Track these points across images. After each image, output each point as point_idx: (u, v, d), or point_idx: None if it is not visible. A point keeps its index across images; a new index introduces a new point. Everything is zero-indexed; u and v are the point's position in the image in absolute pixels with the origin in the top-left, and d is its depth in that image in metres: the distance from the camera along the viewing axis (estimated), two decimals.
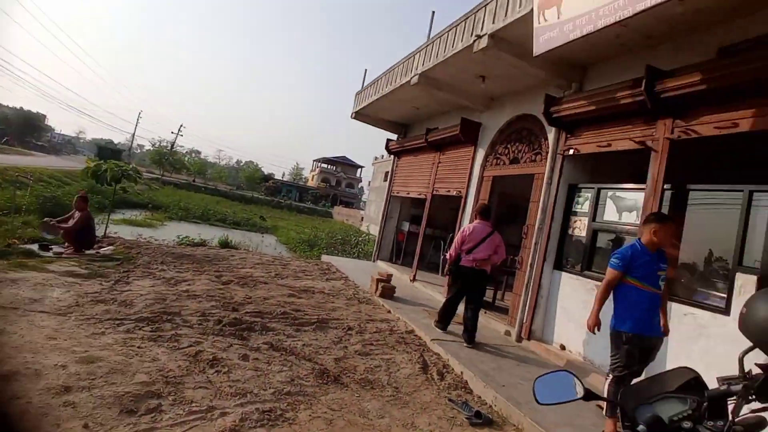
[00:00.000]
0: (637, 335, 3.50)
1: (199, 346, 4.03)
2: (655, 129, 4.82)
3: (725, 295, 4.09)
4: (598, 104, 5.28)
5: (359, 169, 75.49)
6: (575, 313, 5.67)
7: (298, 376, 3.80)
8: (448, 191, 9.18)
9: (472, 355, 5.27)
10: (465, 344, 5.61)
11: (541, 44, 4.64)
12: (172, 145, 64.40)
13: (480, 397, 4.33)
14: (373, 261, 12.53)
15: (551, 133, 6.34)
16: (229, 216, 28.58)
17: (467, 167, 8.51)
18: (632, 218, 5.18)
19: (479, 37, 5.69)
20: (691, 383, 1.94)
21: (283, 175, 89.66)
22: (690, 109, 4.46)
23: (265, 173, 77.21)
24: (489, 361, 5.16)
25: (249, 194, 53.16)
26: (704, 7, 4.06)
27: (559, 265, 6.16)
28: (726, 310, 4.00)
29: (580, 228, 5.94)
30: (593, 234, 5.70)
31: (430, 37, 7.59)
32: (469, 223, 7.00)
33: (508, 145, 7.59)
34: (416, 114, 10.58)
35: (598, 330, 3.72)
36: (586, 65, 5.95)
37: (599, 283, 5.36)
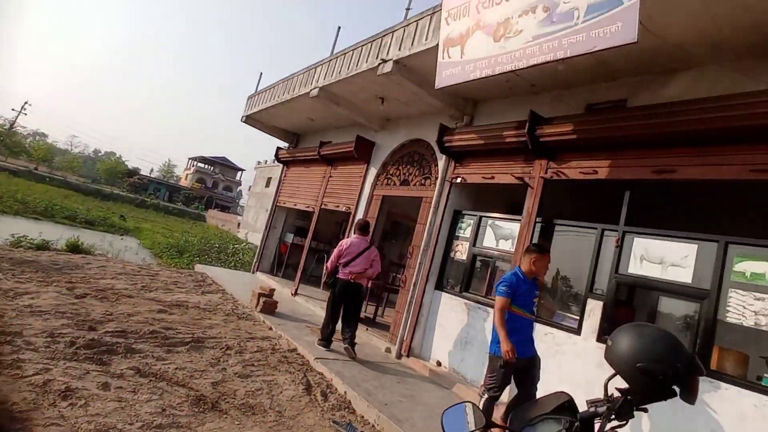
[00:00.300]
0: (515, 360, 3.67)
1: (48, 373, 3.35)
2: (533, 168, 5.42)
3: (578, 317, 4.69)
4: (487, 139, 5.78)
5: (240, 172, 71.92)
6: (452, 332, 6.04)
7: (170, 405, 3.37)
8: (338, 206, 9.18)
9: (356, 374, 5.26)
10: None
11: (443, 78, 4.93)
12: (11, 125, 54.33)
13: (363, 417, 4.32)
14: (253, 272, 11.92)
15: (442, 161, 6.75)
16: (80, 213, 24.75)
17: (358, 184, 8.62)
18: (508, 246, 5.71)
19: (384, 61, 5.86)
20: (565, 405, 2.18)
21: (152, 171, 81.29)
22: (562, 153, 5.11)
23: (130, 167, 69.05)
24: (372, 379, 5.19)
25: (108, 189, 46.90)
26: (580, 69, 4.71)
27: (440, 286, 6.52)
28: (578, 331, 4.59)
29: (462, 251, 6.38)
30: (473, 258, 6.16)
31: (334, 52, 7.61)
32: (347, 237, 7.15)
33: (400, 167, 7.88)
34: (310, 125, 10.46)
35: (513, 356, 3.66)
36: (478, 101, 6.49)
37: (474, 304, 5.87)
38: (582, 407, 1.97)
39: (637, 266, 4.38)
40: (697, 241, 4.02)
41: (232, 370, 4.52)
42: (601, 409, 1.97)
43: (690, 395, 1.87)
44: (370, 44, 6.40)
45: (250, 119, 11.01)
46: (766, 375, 3.52)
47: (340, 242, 6.38)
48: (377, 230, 8.22)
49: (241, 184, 71.75)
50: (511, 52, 4.16)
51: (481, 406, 3.75)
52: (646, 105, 4.39)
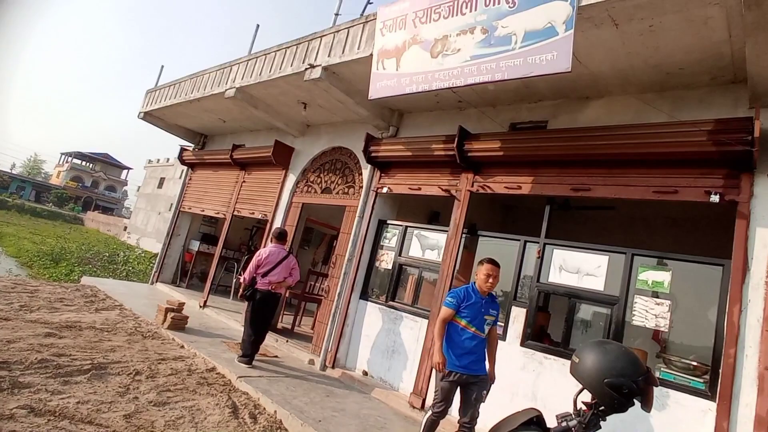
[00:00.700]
0: (456, 373, 3.64)
1: None
2: (459, 180, 5.61)
3: (503, 324, 4.94)
4: (415, 151, 5.86)
5: (125, 171, 65.07)
6: (378, 341, 6.02)
7: None
8: (252, 213, 8.69)
9: (283, 390, 4.98)
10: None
11: (377, 89, 4.89)
12: None
13: None
14: (152, 283, 10.80)
15: (366, 170, 6.71)
16: None
17: (276, 191, 8.24)
18: (434, 256, 5.84)
19: (312, 66, 5.65)
20: (533, 420, 2.26)
21: (13, 166, 70.10)
22: (488, 168, 5.36)
23: None
24: (301, 395, 4.96)
25: None
26: (506, 89, 4.98)
27: (366, 295, 6.47)
28: (503, 336, 4.83)
29: (387, 261, 6.39)
30: (399, 267, 6.20)
31: (252, 51, 7.18)
32: (264, 246, 6.90)
33: (321, 174, 7.69)
34: (221, 126, 9.77)
35: (443, 369, 3.65)
36: (404, 112, 6.56)
37: (400, 313, 5.90)
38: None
39: (557, 275, 4.74)
40: (608, 252, 4.46)
41: (146, 399, 4.00)
42: (573, 423, 2.09)
43: (647, 405, 2.04)
44: (295, 47, 6.14)
45: (149, 116, 9.96)
46: (663, 369, 4.01)
47: (258, 252, 6.16)
48: (296, 238, 7.93)
49: (127, 184, 64.98)
50: (448, 69, 4.26)
51: (423, 422, 3.77)
52: (565, 128, 4.79)
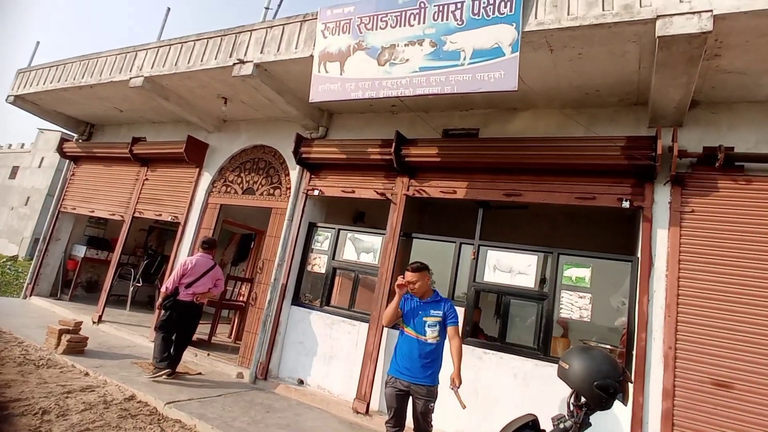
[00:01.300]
0: (392, 377, 3.59)
1: None
2: (395, 184, 5.71)
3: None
4: (350, 154, 5.82)
5: None
6: (314, 347, 5.92)
7: None
8: (159, 215, 7.88)
9: (220, 412, 4.67)
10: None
11: (319, 92, 4.74)
12: None
13: None
14: (25, 297, 9.23)
15: (295, 171, 6.49)
16: None
17: (189, 191, 7.58)
18: (370, 258, 5.88)
19: (242, 62, 5.27)
20: (529, 424, 2.46)
21: None
22: (423, 172, 5.54)
23: None
24: (240, 416, 4.69)
25: None
26: (440, 97, 5.14)
27: (298, 301, 6.30)
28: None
29: (320, 265, 6.28)
30: (333, 271, 6.13)
31: (163, 37, 6.45)
32: (190, 255, 6.52)
33: (242, 174, 7.25)
34: (115, 116, 8.64)
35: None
36: (334, 113, 6.45)
37: (337, 317, 5.85)
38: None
39: (491, 275, 5.10)
40: (537, 252, 4.92)
41: None
42: (568, 424, 2.31)
43: (625, 399, 2.34)
44: (220, 39, 5.65)
45: (20, 100, 8.40)
46: None
47: (184, 261, 5.74)
48: (236, 247, 7.40)
49: None
50: (397, 78, 4.30)
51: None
52: (499, 138, 5.13)
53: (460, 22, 4.05)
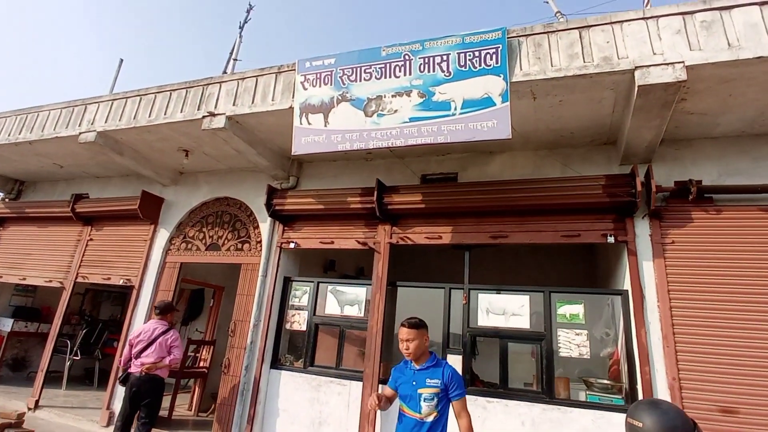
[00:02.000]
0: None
1: None
2: (377, 232, 5.56)
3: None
4: (328, 204, 5.62)
5: None
6: (300, 414, 5.47)
7: None
8: (108, 278, 7.12)
9: None
10: None
11: (302, 145, 4.56)
12: None
13: None
14: None
15: (265, 224, 6.16)
16: None
17: (143, 250, 6.94)
18: (355, 311, 5.62)
19: (213, 114, 4.98)
20: None
21: None
22: (406, 219, 5.45)
23: None
24: None
25: None
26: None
27: (277, 364, 5.84)
28: None
29: (299, 322, 5.90)
30: (315, 328, 5.78)
31: (114, 90, 6.01)
32: (146, 322, 5.97)
33: (204, 229, 6.78)
34: (52, 172, 7.83)
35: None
36: (303, 162, 6.25)
37: (324, 378, 5.48)
38: None
39: (485, 318, 5.03)
40: (528, 292, 4.94)
41: None
42: None
43: None
44: (185, 91, 5.33)
45: None
46: (588, 392, 4.58)
47: (135, 329, 5.21)
48: (185, 303, 6.78)
49: None
50: (386, 129, 4.24)
51: None
52: (480, 182, 5.18)
53: (447, 74, 4.10)
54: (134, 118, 5.55)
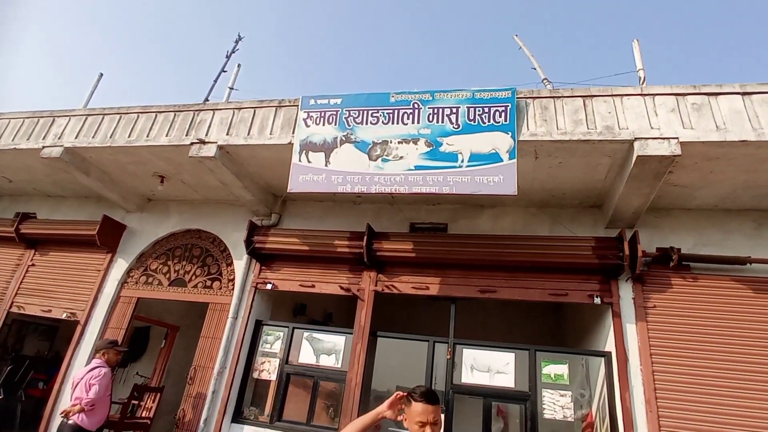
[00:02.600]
0: None
1: None
2: (361, 279, 5.37)
3: None
4: (312, 246, 5.39)
5: None
6: None
7: None
8: (49, 311, 6.34)
9: None
10: None
11: (300, 183, 4.39)
12: None
13: None
14: None
15: (241, 261, 5.80)
16: None
17: (95, 281, 6.29)
18: (331, 361, 5.29)
19: (203, 142, 4.72)
20: None
21: None
22: (393, 267, 5.31)
23: None
24: None
25: None
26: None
27: (240, 417, 5.32)
28: None
29: (269, 371, 5.47)
30: (287, 378, 5.35)
31: (90, 104, 5.59)
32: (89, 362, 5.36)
33: (170, 262, 6.27)
34: None
35: None
36: (288, 199, 6.02)
37: None
38: None
39: (469, 375, 4.88)
40: (513, 349, 4.87)
41: None
42: None
43: None
44: (174, 114, 5.04)
45: None
46: None
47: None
48: (125, 342, 6.12)
49: None
50: (391, 175, 4.18)
51: None
52: (473, 234, 5.19)
53: (456, 126, 4.15)
54: (111, 137, 5.15)
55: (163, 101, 5.77)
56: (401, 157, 4.21)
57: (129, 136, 5.08)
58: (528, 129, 4.12)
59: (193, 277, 6.09)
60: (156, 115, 5.09)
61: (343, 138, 4.40)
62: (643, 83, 4.50)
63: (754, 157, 3.99)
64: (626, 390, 4.36)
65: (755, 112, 3.93)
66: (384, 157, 4.25)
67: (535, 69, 6.39)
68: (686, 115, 3.98)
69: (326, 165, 4.36)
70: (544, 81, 6.10)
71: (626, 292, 4.75)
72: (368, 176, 4.22)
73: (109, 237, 6.29)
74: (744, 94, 3.98)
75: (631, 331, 4.60)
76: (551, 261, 4.85)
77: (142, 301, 6.27)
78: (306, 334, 5.53)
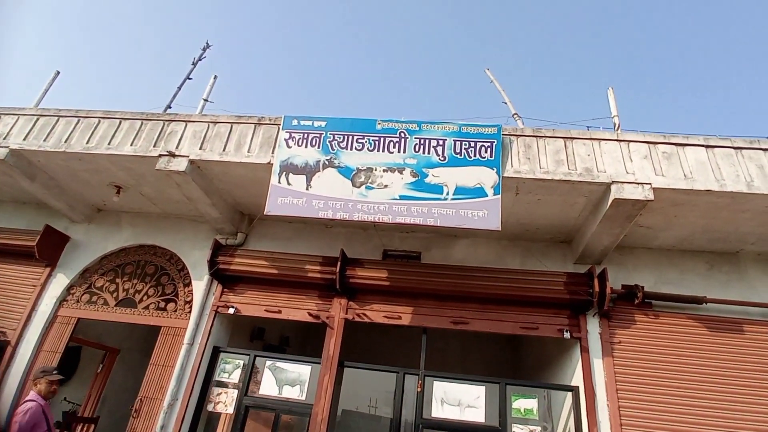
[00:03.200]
0: None
1: None
2: (331, 306, 5.17)
3: None
4: (282, 269, 5.14)
5: None
6: None
7: None
8: None
9: None
10: None
11: (278, 205, 4.17)
12: None
13: None
14: None
15: (201, 282, 5.43)
16: None
17: (29, 298, 5.65)
18: (295, 393, 5.01)
19: (173, 155, 4.39)
20: None
21: None
22: (364, 295, 5.16)
23: None
24: None
25: None
26: None
27: None
28: None
29: (226, 403, 5.09)
30: (245, 411, 5.00)
31: (43, 104, 5.07)
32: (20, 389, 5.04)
33: (118, 280, 5.76)
34: None
35: None
36: (255, 218, 5.73)
37: None
38: None
39: (439, 410, 4.78)
40: (484, 383, 4.84)
41: None
42: None
43: None
44: (141, 122, 4.67)
45: None
46: None
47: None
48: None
49: None
50: (375, 203, 4.08)
51: None
52: (443, 264, 5.16)
53: (442, 158, 4.13)
54: (66, 141, 4.68)
55: (124, 108, 5.36)
56: (386, 186, 4.12)
57: (87, 143, 4.64)
58: (512, 166, 4.18)
59: (145, 297, 5.61)
60: (120, 122, 4.69)
61: (327, 162, 4.26)
62: (617, 129, 4.72)
63: (715, 205, 4.26)
64: (594, 425, 4.43)
65: (717, 164, 4.21)
66: (368, 184, 4.15)
67: (505, 103, 6.57)
68: (657, 163, 4.20)
69: (307, 189, 4.19)
70: (515, 116, 6.27)
71: (593, 327, 4.87)
72: (351, 203, 4.09)
73: (49, 249, 5.69)
74: (707, 146, 4.27)
75: (598, 366, 4.71)
76: (524, 294, 4.90)
77: (84, 321, 5.69)
78: (268, 363, 5.22)
